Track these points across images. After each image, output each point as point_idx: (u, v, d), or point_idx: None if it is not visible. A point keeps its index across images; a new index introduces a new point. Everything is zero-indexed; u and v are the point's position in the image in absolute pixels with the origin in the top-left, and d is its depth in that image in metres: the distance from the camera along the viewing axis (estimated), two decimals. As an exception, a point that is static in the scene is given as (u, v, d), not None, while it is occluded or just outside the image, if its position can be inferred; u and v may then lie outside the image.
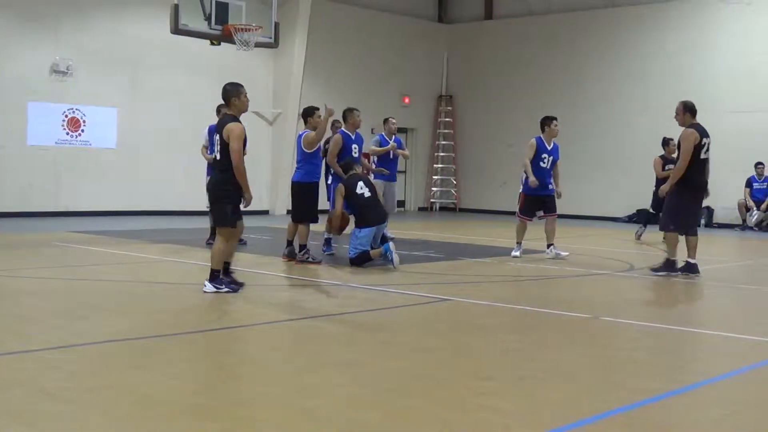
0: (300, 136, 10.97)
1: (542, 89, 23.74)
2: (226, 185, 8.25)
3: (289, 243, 10.97)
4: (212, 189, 8.51)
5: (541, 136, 12.31)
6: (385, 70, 23.80)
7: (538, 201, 12.34)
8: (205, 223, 13.19)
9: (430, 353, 6.04)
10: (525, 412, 4.54)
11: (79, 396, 4.63)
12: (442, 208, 25.95)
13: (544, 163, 12.21)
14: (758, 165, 19.61)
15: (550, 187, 12.35)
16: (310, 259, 10.75)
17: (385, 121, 14.15)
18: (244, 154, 8.20)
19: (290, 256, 10.92)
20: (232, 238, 8.42)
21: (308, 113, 10.97)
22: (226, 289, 8.23)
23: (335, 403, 4.66)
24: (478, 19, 25.62)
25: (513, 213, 23.66)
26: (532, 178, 12.01)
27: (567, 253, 12.20)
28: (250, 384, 5.00)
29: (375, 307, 7.97)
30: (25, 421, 4.15)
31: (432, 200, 26.01)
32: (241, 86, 8.54)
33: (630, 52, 22.31)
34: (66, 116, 18.15)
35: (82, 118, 18.37)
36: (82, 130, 18.41)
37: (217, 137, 8.29)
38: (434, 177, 25.89)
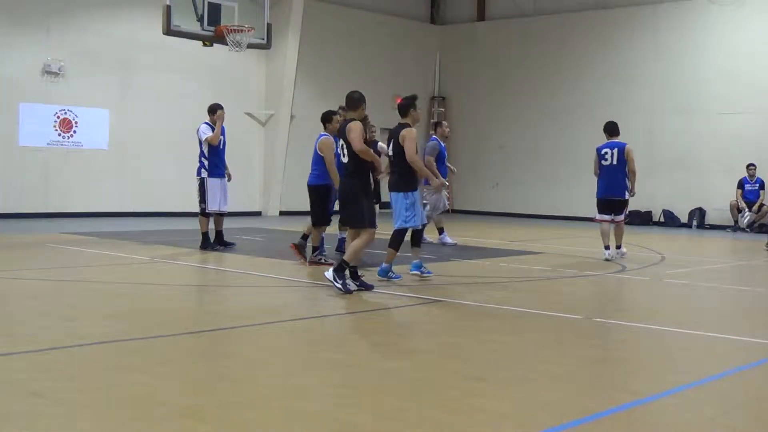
0: (317, 140, 10.86)
1: (534, 90, 23.80)
2: (355, 188, 8.67)
3: (315, 248, 10.86)
4: (343, 191, 8.84)
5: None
6: (377, 71, 23.79)
7: None
8: (196, 224, 13.10)
9: (422, 354, 6.03)
10: (516, 414, 4.54)
11: (69, 397, 4.61)
12: (435, 209, 25.93)
13: None
14: (750, 166, 19.66)
15: None
16: (322, 261, 10.69)
17: (439, 124, 14.04)
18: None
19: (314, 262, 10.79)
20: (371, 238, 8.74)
21: (327, 119, 10.86)
22: (339, 285, 8.34)
23: (326, 404, 4.66)
24: (470, 20, 25.64)
25: (507, 214, 24.03)
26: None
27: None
28: (241, 385, 4.99)
29: (366, 309, 7.96)
30: (16, 422, 4.13)
31: (424, 201, 25.97)
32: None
33: (621, 53, 22.36)
34: (58, 117, 18.10)
35: (74, 119, 18.32)
36: (74, 131, 18.36)
37: (341, 142, 8.79)
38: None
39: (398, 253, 9.51)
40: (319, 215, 10.84)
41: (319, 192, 10.85)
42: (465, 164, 25.49)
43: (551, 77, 23.51)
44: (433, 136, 13.80)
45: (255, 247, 13.11)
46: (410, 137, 9.29)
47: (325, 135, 10.71)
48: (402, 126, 9.38)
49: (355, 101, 8.87)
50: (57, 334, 6.35)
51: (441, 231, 14.15)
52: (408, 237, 9.79)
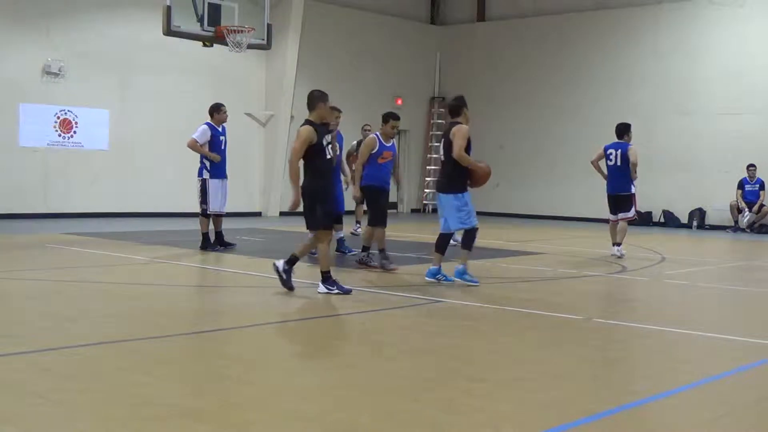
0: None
1: (534, 91, 23.79)
2: (313, 188, 8.44)
3: (381, 250, 10.72)
4: (302, 192, 8.56)
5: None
6: (377, 72, 23.79)
7: None
8: (196, 225, 13.09)
9: (421, 355, 6.03)
10: (516, 414, 4.54)
11: (69, 398, 4.61)
12: (435, 210, 25.91)
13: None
14: (750, 167, 19.66)
15: None
16: (391, 268, 10.54)
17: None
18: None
19: (362, 263, 10.70)
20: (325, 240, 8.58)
21: (383, 120, 10.94)
22: (337, 291, 8.33)
23: (326, 404, 4.65)
24: (471, 20, 25.64)
25: (507, 215, 24.02)
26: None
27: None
28: (241, 386, 4.99)
29: (366, 309, 7.96)
30: (16, 423, 4.13)
31: (425, 202, 26.03)
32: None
33: (621, 53, 22.35)
34: (58, 118, 18.10)
35: (74, 120, 18.32)
36: (74, 132, 18.36)
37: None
38: (427, 179, 25.89)
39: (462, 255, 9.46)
40: (375, 216, 10.67)
41: (369, 193, 10.75)
42: (465, 164, 25.51)
43: (551, 77, 23.50)
44: None
45: (255, 248, 13.11)
46: (461, 134, 9.23)
47: (374, 134, 10.92)
48: (453, 124, 9.37)
49: (312, 99, 8.60)
50: (57, 334, 6.35)
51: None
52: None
